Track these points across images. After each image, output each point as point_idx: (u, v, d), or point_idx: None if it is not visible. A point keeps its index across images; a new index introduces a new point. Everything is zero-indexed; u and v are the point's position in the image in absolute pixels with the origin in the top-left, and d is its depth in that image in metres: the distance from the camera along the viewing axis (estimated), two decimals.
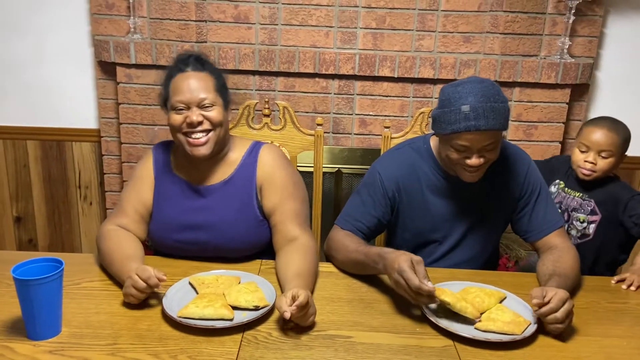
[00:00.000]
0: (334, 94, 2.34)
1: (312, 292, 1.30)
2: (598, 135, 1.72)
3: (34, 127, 2.49)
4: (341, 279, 1.44)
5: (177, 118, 1.40)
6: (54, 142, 2.52)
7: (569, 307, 1.15)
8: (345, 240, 1.45)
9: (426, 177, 1.51)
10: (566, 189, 1.83)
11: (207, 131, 1.41)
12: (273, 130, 1.88)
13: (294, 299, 1.13)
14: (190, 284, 1.31)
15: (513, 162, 1.52)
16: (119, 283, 1.32)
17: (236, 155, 1.51)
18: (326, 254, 1.53)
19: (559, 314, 1.14)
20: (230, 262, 1.47)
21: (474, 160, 1.36)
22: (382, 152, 1.90)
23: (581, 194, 1.79)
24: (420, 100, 2.34)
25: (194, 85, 1.39)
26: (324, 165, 2.34)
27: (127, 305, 1.24)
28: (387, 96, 2.33)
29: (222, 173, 1.49)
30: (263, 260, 1.50)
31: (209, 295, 1.22)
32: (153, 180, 1.50)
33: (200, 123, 1.39)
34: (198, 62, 1.43)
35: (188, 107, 1.39)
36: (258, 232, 1.49)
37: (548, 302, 1.15)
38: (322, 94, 2.33)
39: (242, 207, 1.47)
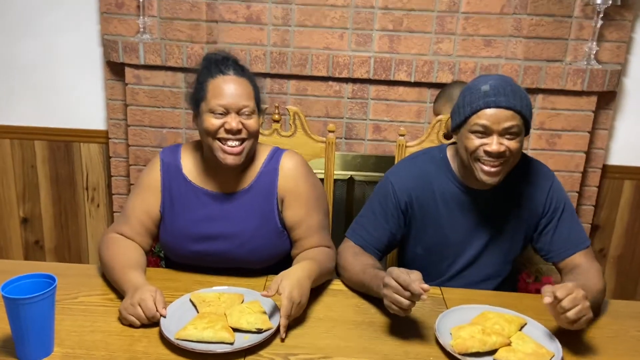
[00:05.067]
0: (348, 98, 2.25)
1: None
2: None
3: (42, 128, 2.45)
4: (349, 298, 1.36)
5: (214, 122, 1.31)
6: (62, 142, 2.48)
7: (577, 295, 1.08)
8: (353, 259, 1.37)
9: (441, 188, 1.43)
10: None
11: (243, 140, 1.33)
12: (283, 136, 1.80)
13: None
14: (191, 301, 1.24)
15: (535, 176, 1.43)
16: (118, 297, 1.26)
17: (257, 162, 1.43)
18: (336, 269, 1.45)
19: (566, 302, 1.08)
20: (245, 274, 1.41)
21: (494, 146, 1.26)
22: (396, 161, 1.82)
23: None
24: None
25: (237, 91, 1.31)
26: (335, 172, 2.27)
27: (124, 325, 1.18)
28: (402, 101, 2.25)
29: (243, 180, 1.41)
30: (269, 276, 1.43)
31: (209, 315, 1.15)
32: (160, 189, 1.41)
33: (239, 131, 1.32)
34: (239, 66, 1.37)
35: (227, 112, 1.31)
36: (279, 243, 1.43)
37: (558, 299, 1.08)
38: (335, 98, 2.25)
39: (263, 218, 1.40)
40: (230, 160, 1.33)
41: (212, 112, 1.31)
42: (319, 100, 2.25)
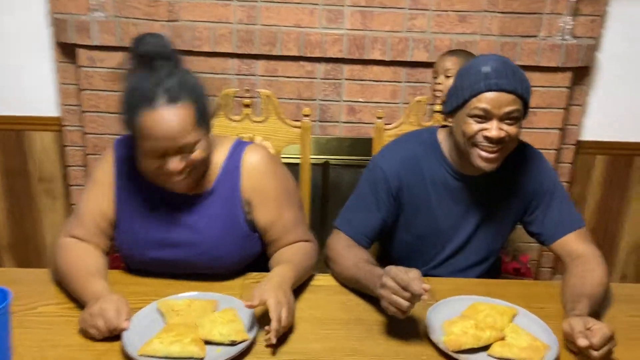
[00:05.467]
0: (320, 79, 2.15)
1: (297, 284, 1.20)
2: None
3: None
4: (334, 294, 1.28)
5: (152, 162, 1.14)
6: (12, 131, 2.28)
7: (611, 347, 1.03)
8: (345, 252, 1.29)
9: (431, 173, 1.36)
10: None
11: (190, 171, 1.18)
12: (255, 122, 1.69)
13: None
14: (158, 310, 1.13)
15: (525, 158, 1.38)
16: (78, 306, 1.15)
17: (217, 159, 1.27)
18: (325, 262, 1.37)
19: (598, 354, 1.03)
20: (212, 278, 1.29)
21: (493, 132, 1.20)
22: (375, 145, 1.74)
23: None
24: (413, 86, 2.17)
25: (173, 129, 1.09)
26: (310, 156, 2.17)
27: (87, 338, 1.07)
28: (377, 81, 2.16)
29: (204, 181, 1.26)
30: (247, 275, 1.33)
31: (178, 327, 1.05)
32: (113, 187, 1.25)
33: (181, 171, 1.15)
34: (171, 90, 1.10)
35: (165, 154, 1.13)
36: (247, 246, 1.31)
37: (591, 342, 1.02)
38: (307, 79, 2.14)
39: (228, 223, 1.27)
40: (179, 189, 1.21)
41: (146, 154, 1.14)
42: (290, 81, 2.14)
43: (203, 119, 1.15)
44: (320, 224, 2.26)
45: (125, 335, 1.03)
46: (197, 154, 1.15)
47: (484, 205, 1.38)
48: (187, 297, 1.16)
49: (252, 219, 1.29)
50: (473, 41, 2.10)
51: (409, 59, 2.10)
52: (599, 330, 1.03)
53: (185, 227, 1.26)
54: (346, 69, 2.14)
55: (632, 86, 2.33)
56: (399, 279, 1.02)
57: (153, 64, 1.12)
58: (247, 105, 1.68)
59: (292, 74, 2.13)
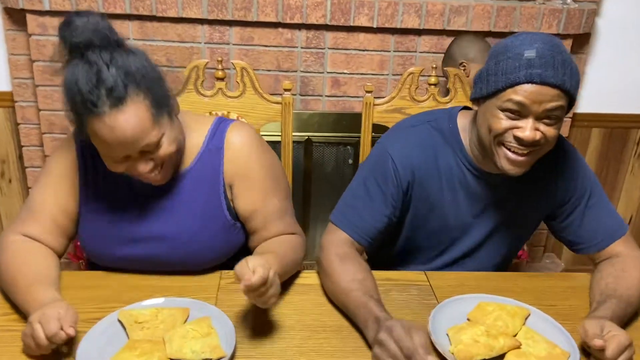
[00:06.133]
0: (301, 47, 1.95)
1: (281, 278, 1.02)
2: None
3: None
4: (323, 295, 1.12)
5: (116, 166, 1.01)
6: None
7: (627, 357, 0.90)
8: (340, 267, 1.08)
9: (447, 166, 1.16)
10: None
11: (162, 165, 1.04)
12: (229, 97, 1.50)
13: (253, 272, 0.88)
14: (120, 321, 0.97)
15: (557, 156, 1.17)
16: (23, 317, 0.97)
17: (195, 140, 1.12)
18: (318, 273, 1.18)
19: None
20: (187, 273, 1.14)
21: (527, 132, 0.99)
22: (363, 121, 1.57)
23: None
24: (402, 55, 1.99)
25: (124, 136, 0.94)
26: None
27: (33, 358, 0.90)
28: (364, 50, 1.97)
29: (180, 166, 1.11)
30: (223, 272, 1.17)
31: (142, 344, 0.89)
32: (77, 179, 1.11)
33: (151, 171, 1.02)
34: (114, 89, 0.92)
35: (127, 158, 1.00)
36: (228, 238, 1.16)
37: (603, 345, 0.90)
38: (287, 47, 1.94)
39: (207, 211, 1.12)
40: (157, 182, 1.07)
41: (108, 159, 1.01)
42: (268, 50, 1.94)
43: (161, 108, 1.00)
44: (303, 205, 2.11)
45: (80, 355, 0.87)
46: (164, 149, 1.01)
47: (503, 207, 1.20)
48: (153, 306, 1.00)
49: (234, 207, 1.15)
50: (468, 5, 1.92)
51: (398, 26, 1.91)
52: (614, 338, 0.90)
53: (159, 218, 1.11)
54: (330, 36, 1.94)
55: (631, 55, 2.19)
56: (402, 345, 0.85)
57: (87, 56, 0.93)
58: (220, 79, 1.48)
59: (269, 42, 1.92)
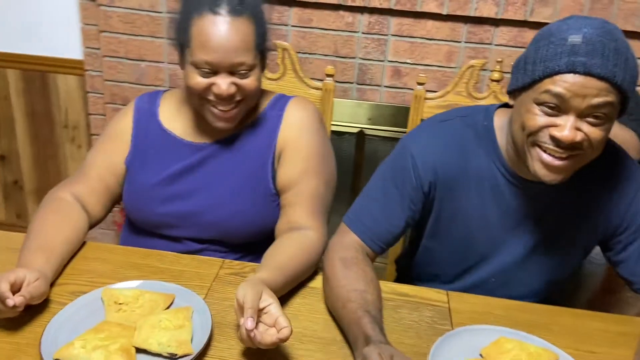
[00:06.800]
0: (362, 33, 1.83)
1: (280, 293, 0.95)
2: None
3: (14, 54, 2.14)
4: (323, 302, 1.02)
5: (199, 81, 1.03)
6: (37, 73, 2.17)
7: None
8: (341, 273, 0.97)
9: (479, 168, 1.02)
10: None
11: (238, 102, 1.06)
12: (269, 79, 1.43)
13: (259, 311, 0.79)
14: (102, 299, 0.94)
15: (617, 172, 1.00)
16: None
17: (258, 106, 1.15)
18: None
19: None
20: (225, 250, 1.15)
21: (566, 132, 0.84)
22: (410, 117, 1.44)
23: None
24: (474, 48, 1.80)
25: (231, 42, 1.00)
26: (342, 124, 1.90)
27: (10, 323, 0.88)
28: (431, 39, 1.81)
29: (234, 127, 1.12)
30: (226, 262, 1.11)
31: (112, 326, 0.85)
32: (130, 139, 1.16)
33: (231, 95, 1.04)
34: (234, 1, 1.01)
35: (216, 71, 1.02)
36: (267, 210, 1.14)
37: None
38: (347, 32, 1.83)
39: (252, 175, 1.13)
40: (221, 124, 1.08)
41: (197, 67, 1.02)
42: (326, 34, 1.84)
43: (262, 44, 1.06)
44: (350, 201, 1.99)
45: (48, 330, 0.85)
46: (250, 81, 1.05)
47: (543, 223, 1.03)
48: (138, 288, 0.96)
49: (277, 177, 1.13)
50: None
51: (472, 14, 1.73)
52: None
53: (200, 174, 1.13)
54: (394, 22, 1.80)
55: None
56: None
57: None
58: None
59: (328, 25, 1.82)
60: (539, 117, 0.87)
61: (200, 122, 1.13)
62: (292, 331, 0.79)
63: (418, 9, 1.74)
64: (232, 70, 1.02)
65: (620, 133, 1.48)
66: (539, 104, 0.86)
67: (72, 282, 1.00)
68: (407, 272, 1.26)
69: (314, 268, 1.07)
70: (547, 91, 0.84)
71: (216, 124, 1.08)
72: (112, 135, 1.17)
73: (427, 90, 1.43)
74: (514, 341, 0.90)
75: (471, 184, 1.03)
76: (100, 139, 1.19)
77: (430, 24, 1.79)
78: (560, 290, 1.15)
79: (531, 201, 1.01)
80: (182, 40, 1.05)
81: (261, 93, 1.16)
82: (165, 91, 1.21)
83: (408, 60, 1.85)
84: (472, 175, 1.02)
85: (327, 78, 1.39)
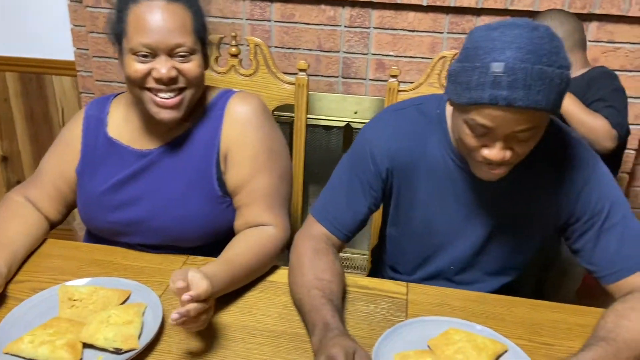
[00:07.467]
0: (345, 26, 1.82)
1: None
2: None
3: (12, 57, 2.20)
4: (282, 295, 1.03)
5: (138, 68, 1.00)
6: (33, 74, 2.22)
7: None
8: (307, 261, 0.99)
9: (433, 156, 1.02)
10: None
11: (181, 89, 1.03)
12: (242, 75, 1.44)
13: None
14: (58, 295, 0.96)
15: (569, 163, 0.98)
16: None
17: (200, 103, 1.11)
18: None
19: None
20: (183, 252, 1.13)
21: (495, 153, 0.86)
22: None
23: None
24: (457, 38, 1.78)
25: (167, 23, 0.99)
26: (329, 118, 1.90)
27: None
28: (413, 31, 1.79)
29: (177, 130, 1.11)
30: (190, 257, 1.13)
31: (61, 322, 0.87)
32: (80, 148, 1.14)
33: (172, 80, 1.01)
34: None
35: (154, 54, 1.00)
36: (215, 212, 1.12)
37: None
38: (329, 26, 1.82)
39: (197, 178, 1.10)
40: (165, 115, 1.04)
41: (135, 53, 1.00)
42: (309, 29, 1.84)
43: (201, 31, 1.05)
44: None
45: (5, 323, 0.88)
46: (191, 66, 1.02)
47: (498, 209, 1.02)
48: (93, 284, 0.98)
49: (225, 179, 1.11)
50: None
51: (452, 4, 1.71)
52: None
53: (146, 180, 1.11)
54: (375, 15, 1.79)
55: None
56: None
57: None
58: (234, 55, 1.43)
59: (311, 20, 1.82)
60: (470, 138, 0.88)
61: (147, 126, 1.11)
62: (209, 286, 0.80)
63: (399, 1, 1.73)
64: (171, 54, 1.00)
65: (588, 121, 1.45)
66: (468, 126, 0.87)
67: (34, 279, 1.02)
68: (379, 263, 1.27)
69: (273, 262, 1.08)
70: (473, 121, 0.85)
71: (160, 115, 1.03)
72: (62, 143, 1.17)
73: (401, 82, 1.42)
74: (462, 332, 0.90)
75: (427, 172, 1.03)
76: (53, 146, 1.18)
77: (412, 15, 1.77)
78: (520, 277, 1.13)
79: (483, 188, 1.00)
80: (119, 30, 1.03)
81: (207, 89, 1.14)
82: (117, 95, 1.19)
83: (391, 53, 1.84)
84: (428, 163, 1.02)
85: (300, 72, 1.40)
